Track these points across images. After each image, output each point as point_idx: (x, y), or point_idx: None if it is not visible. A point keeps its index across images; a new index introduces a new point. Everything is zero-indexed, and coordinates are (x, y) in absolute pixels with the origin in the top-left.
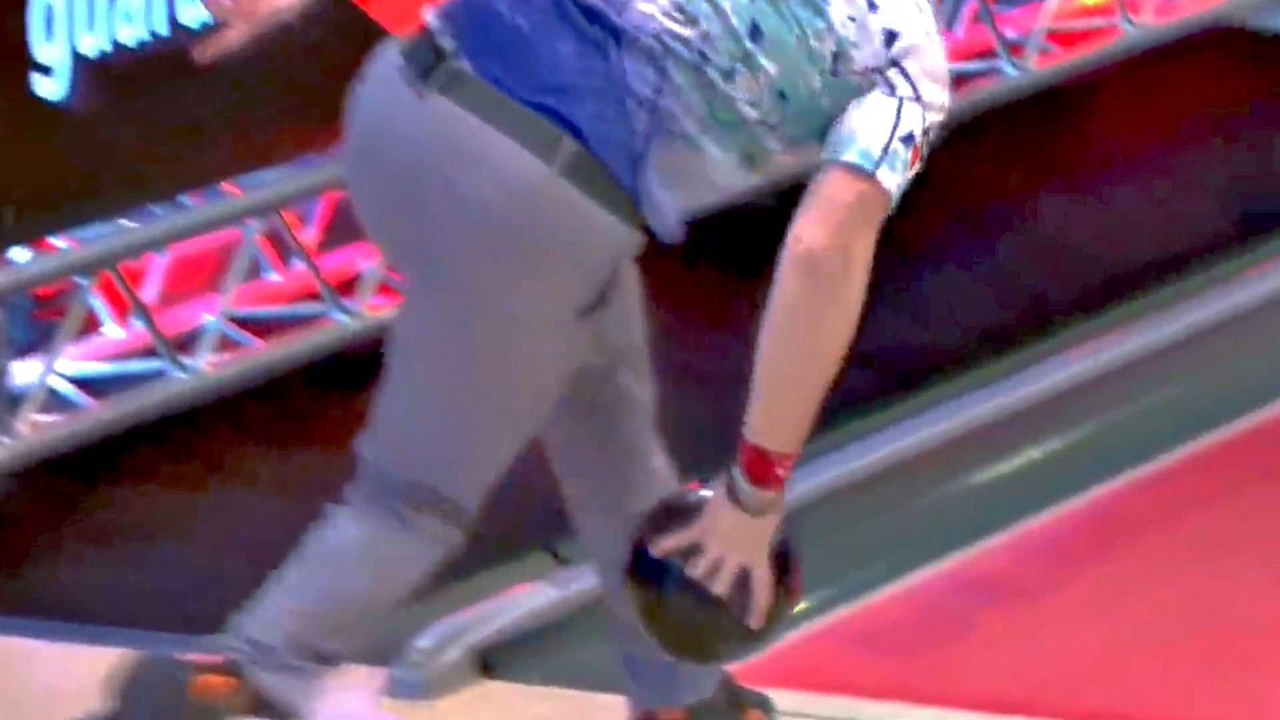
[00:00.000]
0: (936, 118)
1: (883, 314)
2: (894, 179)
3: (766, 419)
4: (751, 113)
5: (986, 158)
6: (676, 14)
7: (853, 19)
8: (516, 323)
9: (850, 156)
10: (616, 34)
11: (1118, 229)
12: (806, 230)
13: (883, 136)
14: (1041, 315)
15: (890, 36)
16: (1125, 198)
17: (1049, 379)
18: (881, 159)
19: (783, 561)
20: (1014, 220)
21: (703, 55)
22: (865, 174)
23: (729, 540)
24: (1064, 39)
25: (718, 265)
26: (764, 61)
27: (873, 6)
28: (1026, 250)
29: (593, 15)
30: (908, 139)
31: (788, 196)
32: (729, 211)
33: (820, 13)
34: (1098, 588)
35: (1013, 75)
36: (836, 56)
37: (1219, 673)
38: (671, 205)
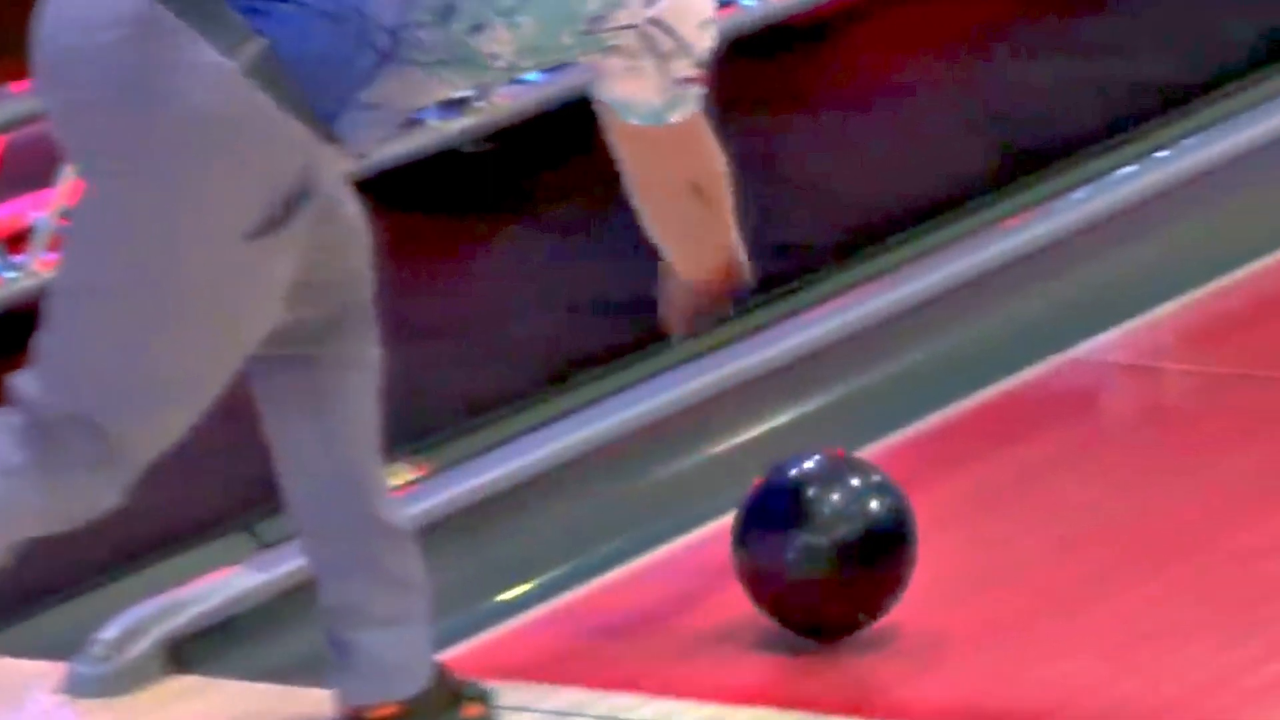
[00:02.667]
0: (705, 57)
1: (620, 265)
2: (685, 112)
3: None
4: (498, 61)
5: (727, 97)
6: None
7: None
8: (181, 223)
9: (634, 119)
10: None
11: (873, 170)
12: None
13: (655, 95)
14: (791, 266)
15: None
16: (880, 136)
17: (801, 336)
18: (665, 110)
19: None
20: (760, 163)
21: (450, 7)
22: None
23: None
24: None
25: (438, 212)
26: (520, 19)
27: None
28: (775, 195)
29: None
30: (682, 82)
31: (507, 139)
32: (447, 156)
33: None
34: None
35: (751, 6)
36: (596, 18)
37: (995, 640)
38: (381, 122)
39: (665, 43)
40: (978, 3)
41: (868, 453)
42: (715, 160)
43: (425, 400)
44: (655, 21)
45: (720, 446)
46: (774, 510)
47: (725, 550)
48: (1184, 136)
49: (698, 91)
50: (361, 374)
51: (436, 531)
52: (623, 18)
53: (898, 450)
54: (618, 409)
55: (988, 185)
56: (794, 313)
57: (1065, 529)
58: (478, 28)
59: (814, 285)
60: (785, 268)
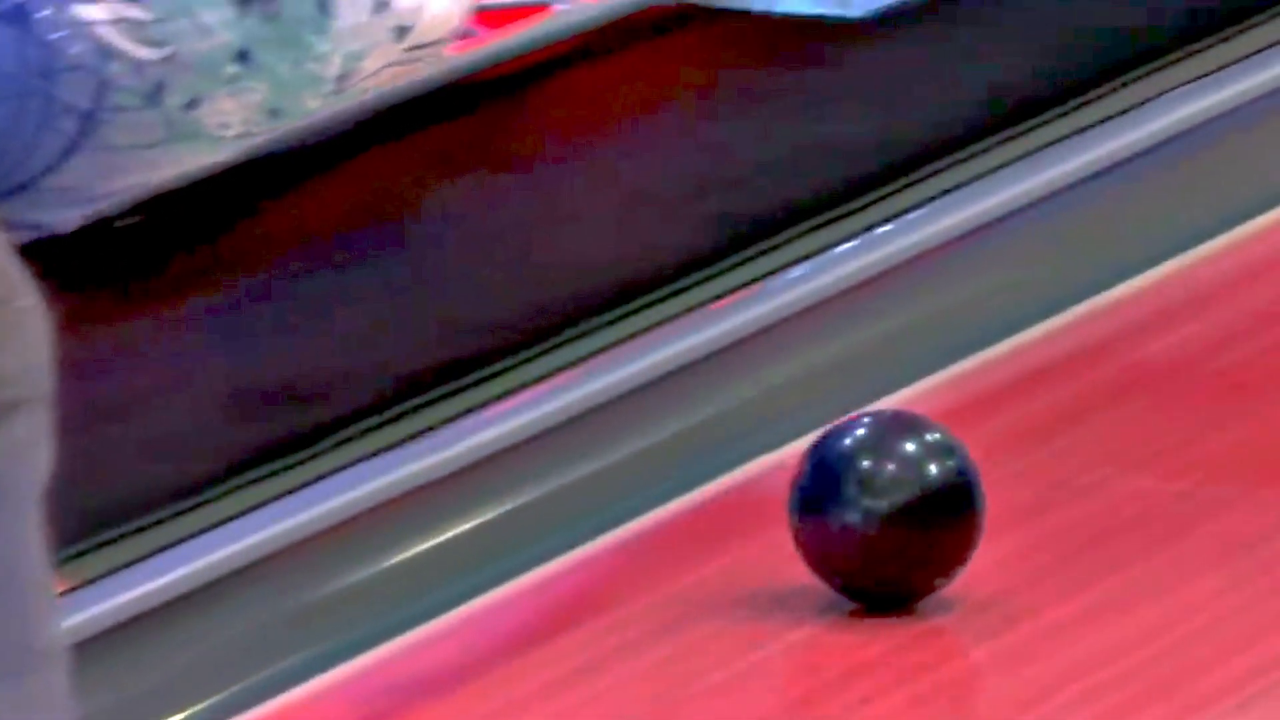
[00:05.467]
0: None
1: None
2: None
3: None
4: (229, 130)
5: (408, 162)
6: (134, 33)
7: (360, 28)
8: None
9: None
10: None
11: (564, 246)
12: None
13: None
14: (478, 350)
15: (401, 31)
16: (574, 205)
17: (488, 433)
18: None
19: None
20: (445, 234)
21: (159, 85)
22: None
23: None
24: (493, 18)
25: (79, 289)
26: (248, 85)
27: (380, 8)
28: (458, 271)
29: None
30: None
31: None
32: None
33: (322, 31)
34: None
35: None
36: (344, 76)
37: None
38: (76, 205)
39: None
40: (687, 55)
41: (565, 561)
42: None
43: (63, 503)
44: (418, 47)
45: (402, 554)
46: (831, 479)
47: (418, 664)
48: (910, 209)
49: None
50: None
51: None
52: (376, 64)
53: (593, 557)
54: (284, 513)
55: (696, 260)
56: (481, 405)
57: None
58: (194, 103)
59: (500, 375)
60: (470, 351)
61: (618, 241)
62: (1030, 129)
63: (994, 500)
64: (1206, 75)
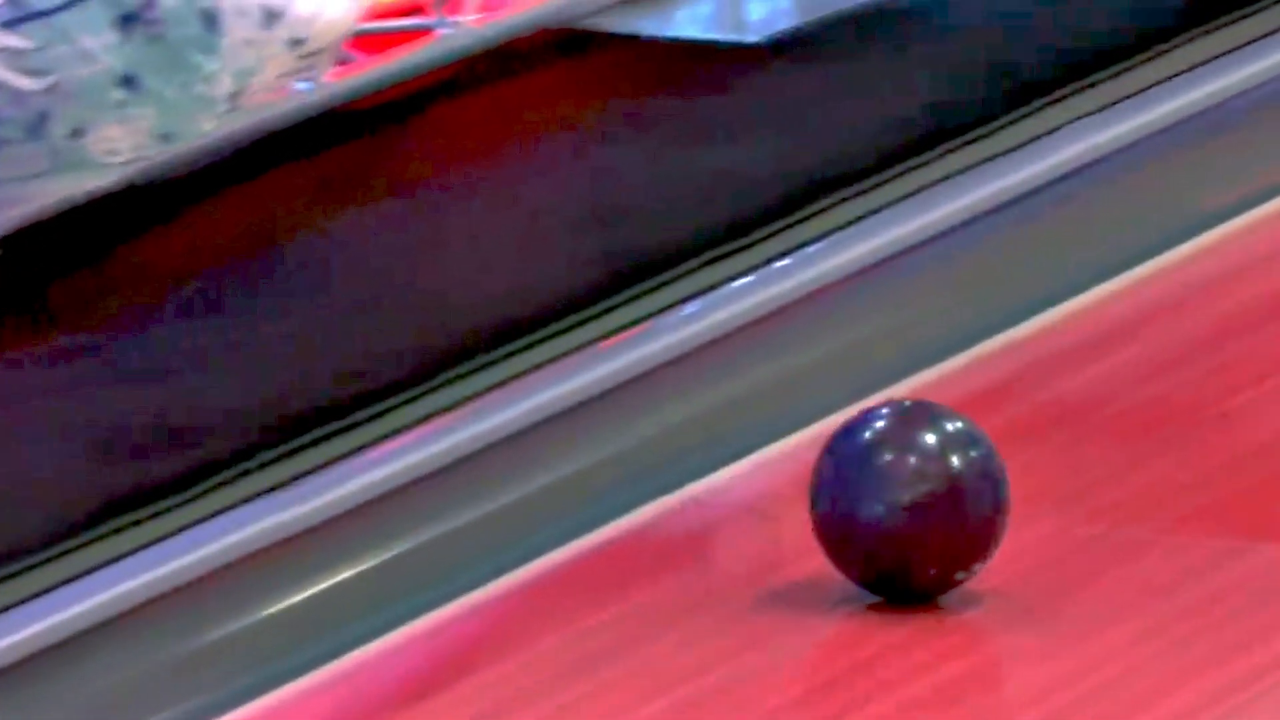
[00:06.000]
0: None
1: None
2: None
3: None
4: (117, 157)
5: (290, 192)
6: (14, 63)
7: (251, 43)
8: None
9: None
10: None
11: (446, 283)
12: None
13: None
14: (357, 392)
15: (295, 42)
16: (456, 238)
17: (374, 475)
18: None
19: None
20: (328, 267)
21: (43, 115)
22: None
23: None
24: (373, 43)
25: None
26: (135, 111)
27: (272, 20)
28: (335, 309)
29: None
30: None
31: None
32: None
33: (210, 50)
34: None
35: (307, 89)
36: (236, 94)
37: None
38: None
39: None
40: (577, 81)
41: (460, 605)
42: None
43: None
44: (310, 54)
45: (286, 600)
46: (852, 468)
47: (305, 714)
48: (808, 243)
49: None
50: None
51: None
52: (270, 77)
53: (490, 601)
54: (159, 559)
55: (586, 295)
56: (366, 446)
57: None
58: (79, 131)
59: (385, 415)
60: (356, 390)
61: (504, 276)
62: (933, 159)
63: None
64: (1115, 104)
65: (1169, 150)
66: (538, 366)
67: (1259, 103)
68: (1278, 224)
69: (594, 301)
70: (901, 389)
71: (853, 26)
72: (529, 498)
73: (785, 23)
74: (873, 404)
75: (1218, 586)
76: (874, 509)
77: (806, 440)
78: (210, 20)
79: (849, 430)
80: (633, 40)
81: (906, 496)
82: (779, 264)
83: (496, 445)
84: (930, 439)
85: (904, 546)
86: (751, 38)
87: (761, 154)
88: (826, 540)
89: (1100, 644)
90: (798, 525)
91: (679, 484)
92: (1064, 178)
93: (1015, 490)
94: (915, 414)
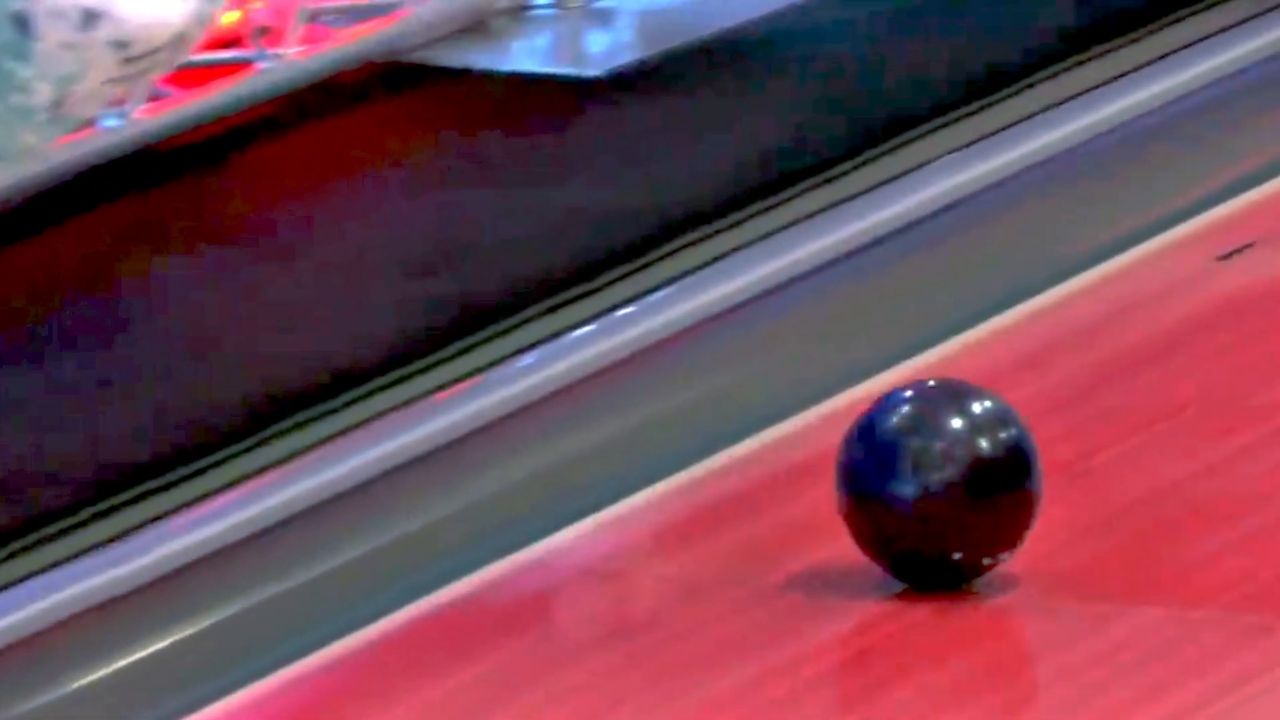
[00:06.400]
0: None
1: None
2: None
3: None
4: None
5: (104, 235)
6: None
7: (69, 46)
8: None
9: None
10: None
11: (280, 325)
12: None
13: None
14: (163, 454)
15: (119, 45)
16: (278, 287)
17: (194, 535)
18: None
19: None
20: (142, 315)
21: None
22: None
23: None
24: (189, 77)
25: None
26: None
27: (91, 22)
28: (162, 357)
29: None
30: None
31: None
32: None
33: (24, 57)
34: None
35: (115, 125)
36: (56, 103)
37: None
38: None
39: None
40: (407, 118)
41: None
42: None
43: None
44: (139, 58)
45: (108, 666)
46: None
47: None
48: (653, 290)
49: None
50: None
51: None
52: (95, 84)
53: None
54: None
55: (417, 346)
56: (187, 504)
57: None
58: None
59: (209, 471)
60: (175, 447)
61: (333, 324)
62: (786, 199)
63: (752, 617)
64: (977, 141)
65: (1036, 190)
66: (370, 420)
67: (1130, 139)
68: (1155, 266)
69: (429, 351)
70: (752, 445)
71: (700, 59)
72: (357, 560)
73: (628, 55)
74: (900, 384)
75: (1090, 653)
76: (902, 491)
77: (657, 497)
78: (22, 24)
79: (876, 411)
80: (466, 74)
81: (936, 479)
82: (623, 311)
83: (328, 502)
84: (957, 422)
85: (933, 531)
86: (591, 71)
87: (603, 194)
88: (852, 523)
89: (963, 714)
90: (649, 583)
91: (521, 543)
92: (923, 220)
93: (859, 561)
94: (944, 396)
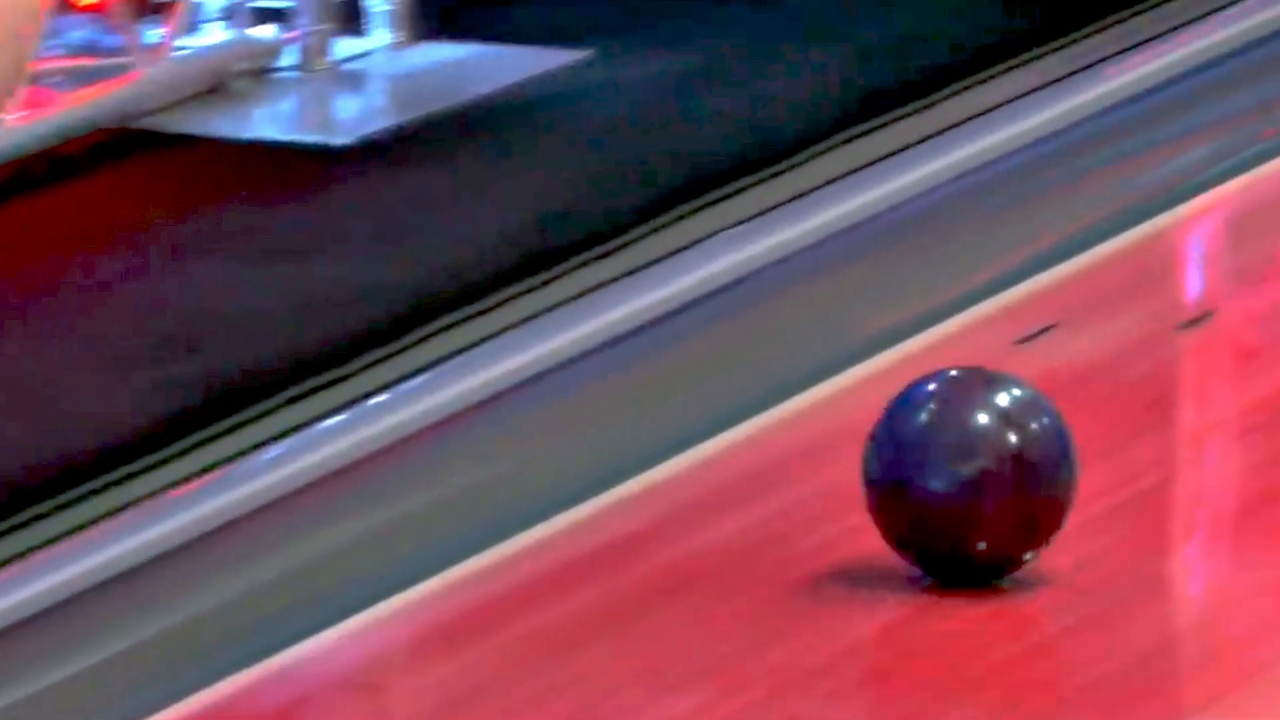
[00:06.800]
0: None
1: None
2: None
3: None
4: None
5: None
6: None
7: None
8: None
9: None
10: None
11: None
12: None
13: None
14: None
15: None
16: (5, 367)
17: None
18: None
19: None
20: None
21: None
22: None
23: None
24: None
25: None
26: None
27: None
28: None
29: None
30: None
31: None
32: None
33: None
34: None
35: None
36: None
37: None
38: None
39: None
40: (140, 188)
41: None
42: None
43: None
44: None
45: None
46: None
47: None
48: (408, 376)
49: None
50: None
51: None
52: None
53: None
54: None
55: (147, 439)
56: None
57: None
58: None
59: None
60: None
61: (56, 413)
62: (548, 280)
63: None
64: (757, 216)
65: (824, 266)
66: (100, 519)
67: (918, 214)
68: (959, 345)
69: (163, 443)
70: (515, 545)
71: (459, 126)
72: (93, 669)
73: (380, 122)
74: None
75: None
76: (931, 483)
77: (417, 600)
78: None
79: (906, 399)
80: (205, 142)
81: (964, 471)
82: (375, 399)
83: (51, 610)
84: (984, 419)
85: (960, 525)
86: (340, 139)
87: (352, 272)
88: (879, 514)
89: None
90: (408, 695)
91: (267, 651)
92: (698, 299)
93: (645, 662)
94: (974, 388)
